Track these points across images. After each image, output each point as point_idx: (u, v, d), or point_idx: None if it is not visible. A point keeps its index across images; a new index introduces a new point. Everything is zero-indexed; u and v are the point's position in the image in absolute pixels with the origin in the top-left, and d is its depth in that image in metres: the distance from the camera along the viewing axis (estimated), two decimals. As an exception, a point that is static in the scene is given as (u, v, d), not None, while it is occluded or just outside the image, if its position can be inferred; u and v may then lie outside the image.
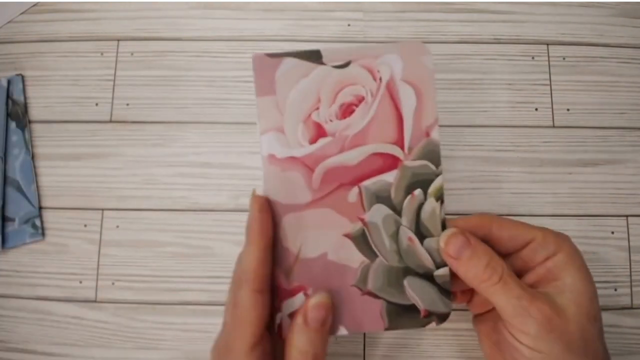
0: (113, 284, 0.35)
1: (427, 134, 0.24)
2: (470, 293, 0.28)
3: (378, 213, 0.24)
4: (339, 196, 0.24)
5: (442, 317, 0.24)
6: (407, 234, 0.24)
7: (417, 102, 0.24)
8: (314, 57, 0.25)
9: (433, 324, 0.24)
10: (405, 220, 0.24)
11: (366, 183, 0.24)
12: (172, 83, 0.38)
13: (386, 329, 0.24)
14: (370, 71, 0.24)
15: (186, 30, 0.38)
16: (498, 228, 0.25)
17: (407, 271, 0.24)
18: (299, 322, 0.22)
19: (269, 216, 0.24)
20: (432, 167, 0.24)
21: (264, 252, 0.23)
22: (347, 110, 0.24)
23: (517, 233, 0.25)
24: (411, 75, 0.24)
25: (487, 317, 0.27)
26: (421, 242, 0.24)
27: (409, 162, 0.24)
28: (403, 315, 0.24)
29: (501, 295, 0.22)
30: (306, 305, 0.23)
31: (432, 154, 0.24)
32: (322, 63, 0.25)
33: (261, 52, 0.25)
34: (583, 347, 0.22)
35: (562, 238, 0.25)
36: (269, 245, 0.23)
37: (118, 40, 0.38)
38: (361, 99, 0.24)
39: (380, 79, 0.24)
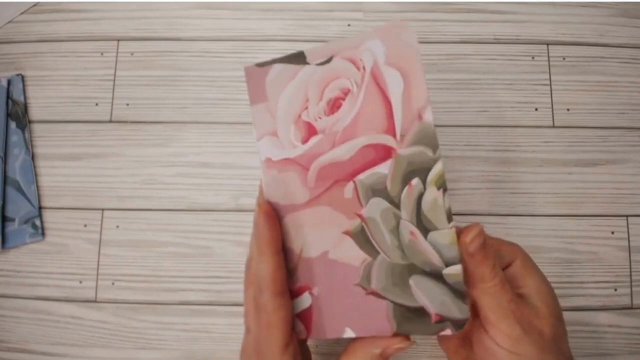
0: (113, 284, 0.35)
1: (420, 117, 0.22)
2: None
3: (376, 207, 0.23)
4: (335, 193, 0.23)
5: (459, 324, 0.22)
6: (408, 228, 0.22)
7: (404, 84, 0.22)
8: (299, 58, 0.24)
9: (448, 331, 0.22)
10: (405, 213, 0.22)
11: (360, 177, 0.23)
12: (172, 83, 0.38)
13: (394, 334, 0.23)
14: (353, 61, 0.23)
15: (186, 30, 0.38)
16: None
17: (412, 269, 0.22)
18: None
19: (276, 221, 0.24)
20: (429, 152, 0.22)
21: (277, 257, 0.23)
22: (334, 105, 0.24)
23: None
24: (395, 57, 0.22)
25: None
26: (425, 236, 0.22)
27: (403, 150, 0.22)
28: (412, 319, 0.22)
29: (496, 297, 0.23)
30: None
31: (428, 138, 0.22)
32: (306, 63, 0.24)
33: (251, 64, 0.25)
34: (555, 346, 0.23)
35: (513, 246, 0.26)
36: (280, 250, 0.24)
37: (118, 40, 0.38)
38: (347, 92, 0.23)
39: (364, 67, 0.23)
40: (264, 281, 0.23)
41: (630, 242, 0.35)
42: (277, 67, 0.25)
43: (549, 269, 0.34)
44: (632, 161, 0.36)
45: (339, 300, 0.24)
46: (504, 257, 0.25)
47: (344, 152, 0.23)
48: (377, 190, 0.23)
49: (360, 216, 0.23)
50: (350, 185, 0.23)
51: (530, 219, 0.35)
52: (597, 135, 0.36)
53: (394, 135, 0.22)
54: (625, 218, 0.35)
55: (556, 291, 0.34)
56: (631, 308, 0.34)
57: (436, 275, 0.22)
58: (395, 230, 0.23)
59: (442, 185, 0.22)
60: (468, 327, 0.26)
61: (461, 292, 0.22)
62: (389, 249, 0.23)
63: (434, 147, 0.22)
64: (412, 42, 0.22)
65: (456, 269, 0.22)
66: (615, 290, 0.34)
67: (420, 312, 0.22)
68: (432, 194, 0.22)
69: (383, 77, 0.23)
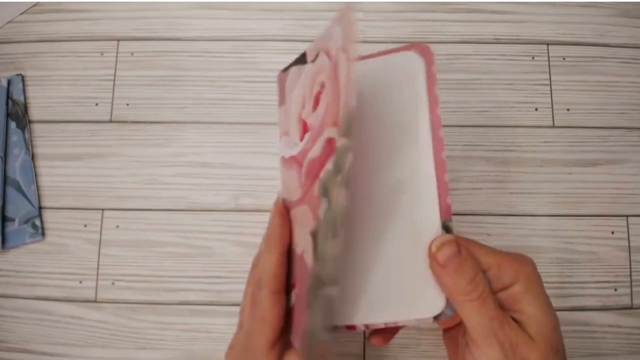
0: (113, 284, 0.35)
1: (350, 103, 0.19)
2: (391, 335, 0.26)
3: (322, 208, 0.20)
4: (311, 191, 0.22)
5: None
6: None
7: (348, 66, 0.20)
8: (302, 59, 0.25)
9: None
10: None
11: (321, 174, 0.21)
12: (172, 83, 0.38)
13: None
14: (328, 53, 0.22)
15: (186, 30, 0.38)
16: None
17: (319, 283, 0.20)
18: None
19: (287, 220, 0.24)
20: (346, 141, 0.19)
21: (282, 256, 0.24)
22: (316, 101, 0.23)
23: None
24: (347, 41, 0.20)
25: (455, 333, 0.27)
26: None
27: (338, 142, 0.20)
28: (310, 341, 0.20)
29: (475, 313, 0.22)
30: None
31: (347, 124, 0.19)
32: (306, 62, 0.24)
33: (280, 69, 0.26)
34: None
35: (521, 264, 0.23)
36: (286, 249, 0.24)
37: (118, 40, 0.38)
38: (324, 85, 0.22)
39: (332, 57, 0.22)
40: (265, 276, 0.23)
41: (630, 242, 0.35)
42: (292, 70, 0.25)
43: (549, 269, 0.34)
44: (632, 161, 0.36)
45: (301, 306, 0.22)
46: (502, 278, 0.23)
47: (316, 148, 0.22)
48: (326, 189, 0.21)
49: (316, 217, 0.21)
50: (317, 183, 0.21)
51: (530, 219, 0.35)
52: (597, 135, 0.36)
53: (337, 125, 0.20)
54: (625, 218, 0.35)
55: (556, 291, 0.34)
56: (631, 308, 0.34)
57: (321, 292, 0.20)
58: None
59: (340, 184, 0.19)
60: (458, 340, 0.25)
61: (331, 316, 0.19)
62: (317, 257, 0.20)
63: (347, 133, 0.19)
64: (354, 19, 0.20)
65: (332, 291, 0.19)
66: (615, 290, 0.34)
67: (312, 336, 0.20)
68: (335, 194, 0.19)
69: (338, 63, 0.21)
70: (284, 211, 0.24)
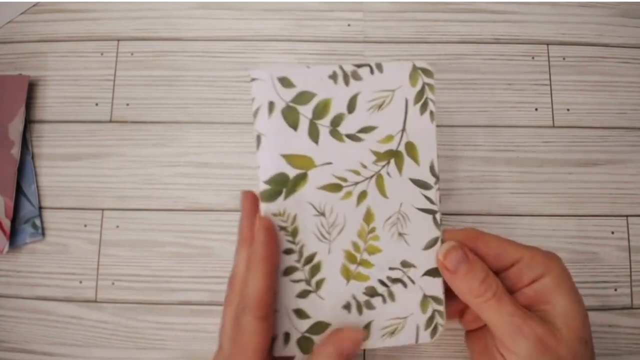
0: (113, 284, 0.35)
1: None
2: (460, 310, 0.26)
3: None
4: None
5: None
6: None
7: None
8: None
9: None
10: None
11: None
12: (172, 83, 0.38)
13: None
14: None
15: (186, 30, 0.38)
16: (484, 244, 0.24)
17: None
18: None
19: (275, 237, 0.23)
20: None
21: (270, 277, 0.22)
22: None
23: (503, 251, 0.24)
24: None
25: (480, 334, 0.26)
26: None
27: None
28: None
29: (494, 312, 0.22)
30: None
31: None
32: None
33: None
34: None
35: (550, 258, 0.24)
36: (274, 270, 0.23)
37: (118, 40, 0.38)
38: None
39: None
40: (249, 301, 0.21)
41: (630, 242, 0.35)
42: None
43: (549, 269, 0.34)
44: (632, 161, 0.36)
45: None
46: (533, 270, 0.23)
47: None
48: None
49: None
50: None
51: (530, 219, 0.35)
52: (597, 135, 0.36)
53: None
54: (625, 218, 0.35)
55: (556, 291, 0.34)
56: (631, 308, 0.34)
57: None
58: None
59: None
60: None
61: None
62: None
63: None
64: None
65: None
66: (615, 290, 0.34)
67: None
68: None
69: None
70: (271, 226, 0.22)
